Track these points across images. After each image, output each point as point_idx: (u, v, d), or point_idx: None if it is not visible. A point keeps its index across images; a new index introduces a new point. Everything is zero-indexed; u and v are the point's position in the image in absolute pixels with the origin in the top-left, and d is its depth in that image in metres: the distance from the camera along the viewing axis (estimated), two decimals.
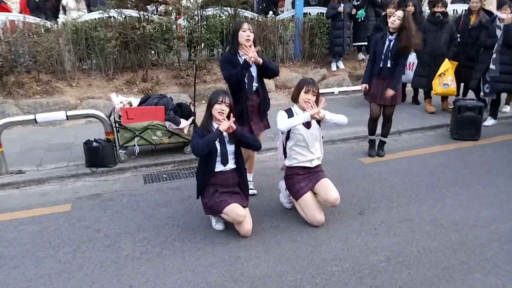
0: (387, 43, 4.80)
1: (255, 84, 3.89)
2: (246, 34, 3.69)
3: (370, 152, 5.30)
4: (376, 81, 4.96)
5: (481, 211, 3.89)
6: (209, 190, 3.52)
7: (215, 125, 3.47)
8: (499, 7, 6.27)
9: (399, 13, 4.69)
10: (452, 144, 5.74)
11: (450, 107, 6.69)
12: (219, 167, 3.50)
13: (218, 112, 3.39)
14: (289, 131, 3.65)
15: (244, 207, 3.49)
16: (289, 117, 3.64)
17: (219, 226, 3.63)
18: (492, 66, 6.15)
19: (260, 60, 3.71)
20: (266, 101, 4.06)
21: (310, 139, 3.66)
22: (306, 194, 3.66)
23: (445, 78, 6.48)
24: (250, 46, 3.67)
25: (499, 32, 6.11)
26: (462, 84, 7.03)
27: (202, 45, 8.24)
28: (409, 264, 3.12)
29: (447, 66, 6.46)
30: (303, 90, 3.59)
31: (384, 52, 4.81)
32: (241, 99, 3.80)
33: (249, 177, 4.26)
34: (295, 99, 3.69)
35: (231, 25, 8.35)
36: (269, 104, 4.13)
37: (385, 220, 3.76)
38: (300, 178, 3.71)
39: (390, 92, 4.84)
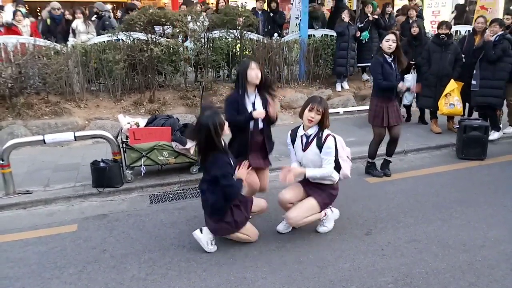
0: (392, 65, 4.93)
1: (260, 124, 3.88)
2: (255, 73, 3.73)
3: (375, 172, 5.29)
4: (381, 103, 5.01)
5: (489, 231, 3.85)
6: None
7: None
8: (490, 23, 6.39)
9: (392, 36, 4.81)
10: (458, 163, 5.73)
11: (455, 127, 6.69)
12: None
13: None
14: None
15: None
16: (291, 138, 3.79)
17: (213, 248, 3.62)
18: (473, 82, 6.38)
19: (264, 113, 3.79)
20: (270, 141, 4.05)
21: (304, 162, 3.72)
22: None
23: (451, 98, 6.51)
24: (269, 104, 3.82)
25: None
26: (467, 104, 7.05)
27: (209, 67, 8.36)
28: (417, 286, 3.08)
29: (453, 87, 6.49)
30: (307, 108, 3.60)
31: (394, 74, 4.94)
32: (243, 133, 3.80)
33: None
34: (301, 116, 3.70)
35: (237, 46, 8.49)
36: (273, 145, 4.12)
37: (392, 240, 3.73)
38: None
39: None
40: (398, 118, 5.06)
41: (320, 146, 3.60)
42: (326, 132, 3.66)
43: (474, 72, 6.37)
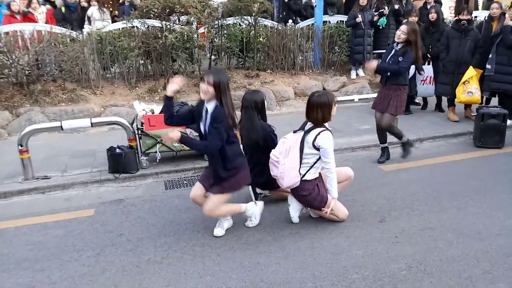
0: (392, 52, 4.95)
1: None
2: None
3: (379, 159, 5.34)
4: (381, 89, 5.15)
5: (505, 220, 3.80)
6: None
7: None
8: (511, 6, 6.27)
9: (404, 27, 4.82)
10: (476, 152, 5.64)
11: (473, 115, 6.58)
12: None
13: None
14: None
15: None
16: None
17: (255, 221, 3.79)
18: (488, 66, 6.30)
19: None
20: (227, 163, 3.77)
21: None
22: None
23: (469, 86, 6.39)
24: None
25: None
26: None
27: (222, 54, 8.35)
28: (431, 273, 3.07)
29: (472, 74, 6.36)
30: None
31: (387, 60, 4.96)
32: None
33: None
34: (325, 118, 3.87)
35: (250, 34, 8.45)
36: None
37: (406, 228, 3.71)
38: (321, 185, 3.74)
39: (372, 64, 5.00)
40: (386, 107, 5.04)
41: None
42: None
43: (490, 56, 6.29)
